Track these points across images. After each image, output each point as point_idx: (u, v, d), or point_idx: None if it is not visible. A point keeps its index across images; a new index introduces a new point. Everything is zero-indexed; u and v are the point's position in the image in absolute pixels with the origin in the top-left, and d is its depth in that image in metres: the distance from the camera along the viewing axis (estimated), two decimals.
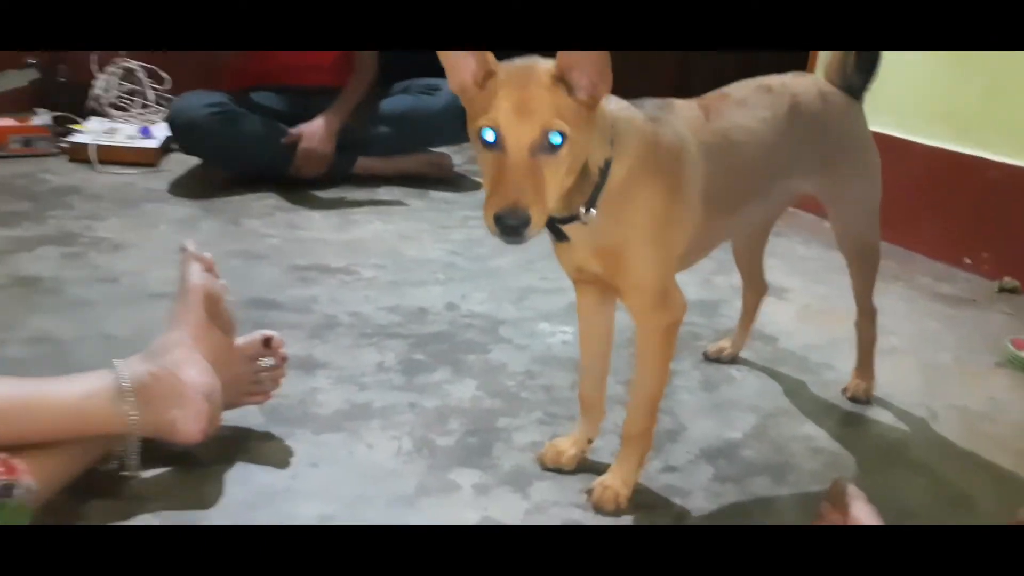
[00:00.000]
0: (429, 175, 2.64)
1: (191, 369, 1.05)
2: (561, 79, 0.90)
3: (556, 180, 0.91)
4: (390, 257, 1.99)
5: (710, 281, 1.96)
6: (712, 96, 1.19)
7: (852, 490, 0.94)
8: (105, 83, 2.74)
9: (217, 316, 1.14)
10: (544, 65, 0.91)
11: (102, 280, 1.71)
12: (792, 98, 1.22)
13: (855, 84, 1.31)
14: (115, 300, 1.62)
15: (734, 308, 1.66)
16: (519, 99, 0.88)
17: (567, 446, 1.20)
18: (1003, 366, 1.64)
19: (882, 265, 1.42)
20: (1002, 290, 2.06)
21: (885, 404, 1.45)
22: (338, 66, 2.56)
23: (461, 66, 0.92)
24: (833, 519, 0.93)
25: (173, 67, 2.80)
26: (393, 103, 2.61)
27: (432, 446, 1.22)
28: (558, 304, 1.77)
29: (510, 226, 0.86)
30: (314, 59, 2.54)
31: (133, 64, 2.76)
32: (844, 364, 1.52)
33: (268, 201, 2.34)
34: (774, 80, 1.25)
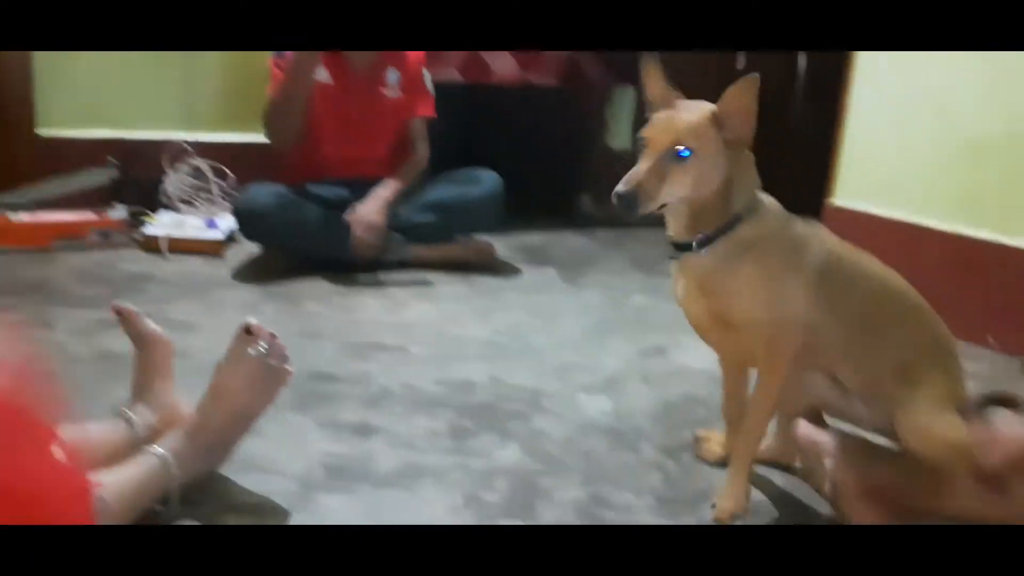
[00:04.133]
0: (472, 262, 2.78)
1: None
2: (716, 117, 1.18)
3: (677, 185, 1.17)
4: (437, 336, 2.12)
5: None
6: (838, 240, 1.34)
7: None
8: (175, 180, 2.98)
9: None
10: (707, 106, 1.20)
11: (175, 355, 1.86)
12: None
13: None
14: (188, 372, 1.76)
15: None
16: (666, 120, 1.19)
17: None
18: None
19: None
20: None
21: None
22: (391, 159, 2.76)
23: (652, 85, 1.23)
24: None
25: (235, 164, 3.04)
26: (437, 192, 2.75)
27: (480, 501, 1.33)
28: (597, 378, 1.88)
29: (621, 198, 1.15)
30: (369, 152, 2.72)
31: (201, 162, 3.01)
32: None
33: (324, 286, 2.50)
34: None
